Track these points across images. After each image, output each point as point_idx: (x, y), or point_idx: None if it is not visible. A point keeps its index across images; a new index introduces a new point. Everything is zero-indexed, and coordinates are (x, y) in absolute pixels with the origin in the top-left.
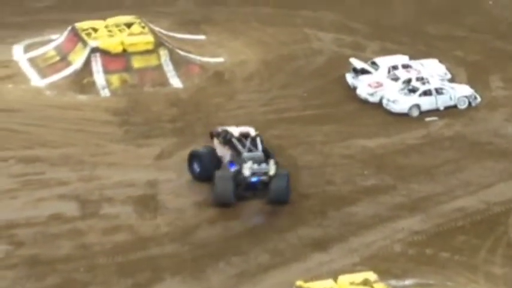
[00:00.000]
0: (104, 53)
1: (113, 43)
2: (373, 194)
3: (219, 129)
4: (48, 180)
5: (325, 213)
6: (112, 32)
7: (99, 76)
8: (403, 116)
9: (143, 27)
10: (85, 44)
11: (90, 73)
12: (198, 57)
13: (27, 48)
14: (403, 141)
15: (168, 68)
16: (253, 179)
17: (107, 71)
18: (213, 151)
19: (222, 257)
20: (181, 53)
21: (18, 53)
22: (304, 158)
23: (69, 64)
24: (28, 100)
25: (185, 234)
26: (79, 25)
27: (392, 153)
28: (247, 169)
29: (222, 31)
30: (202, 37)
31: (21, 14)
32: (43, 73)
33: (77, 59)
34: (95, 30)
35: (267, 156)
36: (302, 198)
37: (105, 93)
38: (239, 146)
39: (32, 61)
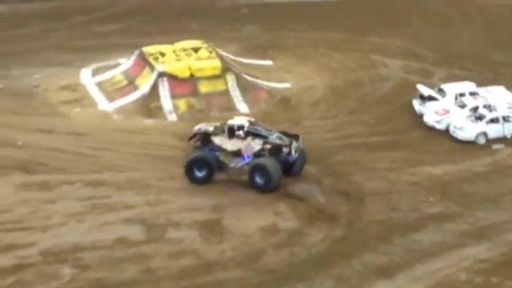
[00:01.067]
0: (171, 77)
1: (180, 68)
2: (439, 222)
3: (209, 127)
4: (115, 204)
5: (390, 240)
6: (179, 57)
7: (166, 100)
8: (470, 144)
9: (210, 52)
10: (152, 68)
11: (158, 97)
12: (265, 83)
13: (95, 72)
14: (470, 168)
15: (235, 93)
16: (293, 157)
17: (174, 96)
18: (210, 153)
19: (286, 283)
20: (249, 78)
21: (86, 77)
22: (369, 184)
23: (136, 88)
24: (95, 124)
25: (250, 260)
26: (146, 49)
27: (459, 181)
28: (294, 149)
29: (290, 56)
30: (269, 62)
31: (89, 38)
32: (110, 97)
33: (145, 83)
34: (163, 54)
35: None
36: (367, 224)
37: (172, 117)
38: (262, 133)
39: (100, 85)
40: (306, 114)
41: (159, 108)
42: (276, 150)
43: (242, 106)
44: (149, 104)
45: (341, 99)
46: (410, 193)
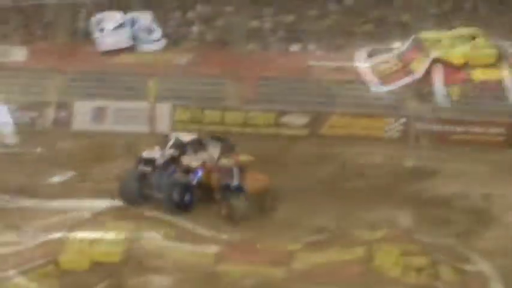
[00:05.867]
0: (446, 63)
1: (455, 55)
2: None
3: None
4: None
5: None
6: (455, 44)
7: (439, 86)
8: None
9: (487, 41)
10: (427, 54)
11: (431, 83)
12: None
13: (370, 55)
14: None
15: (510, 83)
16: None
17: (447, 82)
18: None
19: None
20: None
21: (361, 59)
22: None
23: (410, 73)
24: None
25: None
26: (423, 35)
27: None
28: None
29: None
30: None
31: (367, 22)
32: (383, 80)
33: (418, 68)
34: (439, 40)
35: None
36: None
37: (445, 104)
38: None
39: (373, 68)
40: None
41: (431, 94)
42: None
43: None
44: (422, 89)
45: None
46: None
